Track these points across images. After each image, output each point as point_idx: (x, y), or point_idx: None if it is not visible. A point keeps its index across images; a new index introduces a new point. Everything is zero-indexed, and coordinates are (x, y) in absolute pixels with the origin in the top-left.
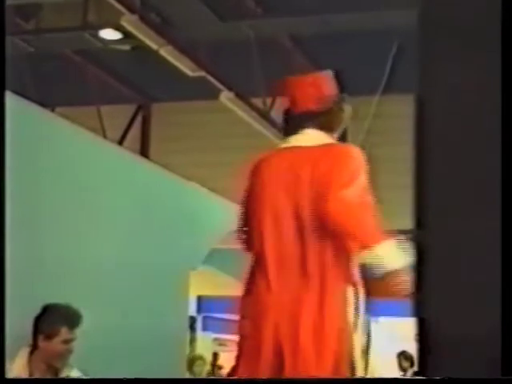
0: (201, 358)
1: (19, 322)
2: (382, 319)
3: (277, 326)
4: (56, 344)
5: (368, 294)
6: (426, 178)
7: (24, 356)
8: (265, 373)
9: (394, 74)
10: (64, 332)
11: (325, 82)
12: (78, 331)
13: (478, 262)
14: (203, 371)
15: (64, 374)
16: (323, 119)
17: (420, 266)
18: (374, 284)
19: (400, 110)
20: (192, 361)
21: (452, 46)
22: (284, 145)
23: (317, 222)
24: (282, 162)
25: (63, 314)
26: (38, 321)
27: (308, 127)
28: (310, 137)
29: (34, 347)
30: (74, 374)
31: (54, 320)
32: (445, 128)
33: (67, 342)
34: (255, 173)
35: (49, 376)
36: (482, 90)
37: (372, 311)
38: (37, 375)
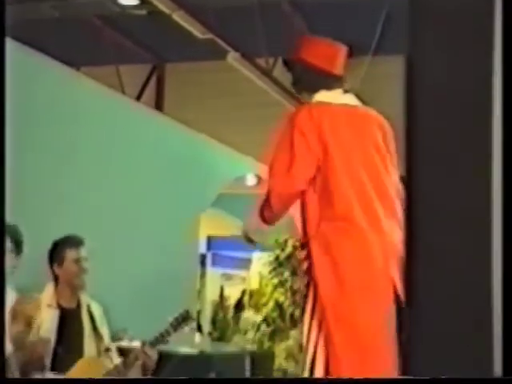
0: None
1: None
2: None
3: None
4: (68, 266)
5: None
6: (416, 134)
7: (50, 288)
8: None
9: (385, 37)
10: (70, 253)
11: (345, 49)
12: (95, 265)
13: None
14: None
15: (85, 304)
16: (343, 81)
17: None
18: None
19: (390, 71)
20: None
21: (444, 9)
22: (325, 99)
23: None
24: (350, 120)
25: (65, 240)
26: (51, 255)
27: (337, 87)
28: (351, 97)
29: (55, 278)
30: (95, 305)
31: (60, 248)
32: (435, 87)
33: (77, 261)
34: (323, 125)
35: (74, 302)
36: (478, 50)
37: None
38: (64, 302)
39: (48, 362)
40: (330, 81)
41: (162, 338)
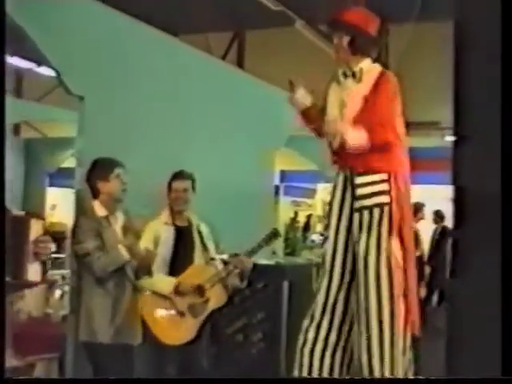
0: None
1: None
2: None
3: None
4: (174, 195)
5: None
6: (466, 82)
7: (166, 211)
8: None
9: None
10: (175, 185)
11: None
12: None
13: None
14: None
15: (195, 223)
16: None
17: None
18: None
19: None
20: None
21: None
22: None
23: None
24: None
25: (174, 175)
26: (169, 184)
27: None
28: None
29: (169, 203)
30: (203, 225)
31: (171, 181)
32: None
33: (180, 191)
34: None
35: (185, 221)
36: None
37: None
38: (178, 222)
39: (155, 268)
40: (372, 47)
41: (255, 250)
